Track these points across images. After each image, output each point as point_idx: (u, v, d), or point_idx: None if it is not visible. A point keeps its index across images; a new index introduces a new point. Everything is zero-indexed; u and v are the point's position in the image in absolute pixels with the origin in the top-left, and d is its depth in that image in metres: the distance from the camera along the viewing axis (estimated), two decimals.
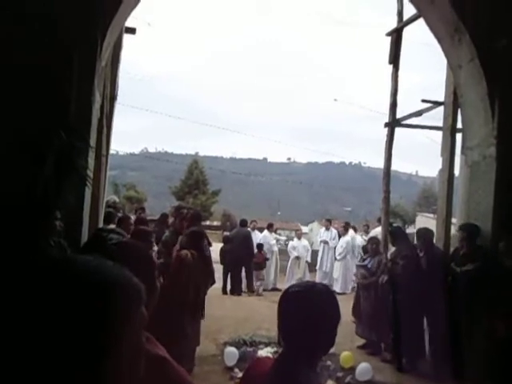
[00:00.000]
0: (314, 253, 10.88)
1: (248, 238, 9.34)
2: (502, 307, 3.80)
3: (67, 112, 3.75)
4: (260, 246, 9.66)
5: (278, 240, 12.12)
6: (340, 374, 4.46)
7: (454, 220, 5.68)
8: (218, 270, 8.34)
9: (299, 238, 10.80)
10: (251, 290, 9.15)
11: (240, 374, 3.79)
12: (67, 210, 3.41)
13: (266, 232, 10.38)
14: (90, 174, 4.07)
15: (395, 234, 5.51)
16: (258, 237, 10.06)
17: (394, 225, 9.49)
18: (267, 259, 9.62)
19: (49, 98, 3.67)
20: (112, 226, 4.79)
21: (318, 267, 10.39)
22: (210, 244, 5.24)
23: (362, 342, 5.52)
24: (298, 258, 10.28)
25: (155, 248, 5.25)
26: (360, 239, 10.19)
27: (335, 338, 1.22)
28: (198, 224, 4.98)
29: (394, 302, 4.85)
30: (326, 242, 10.33)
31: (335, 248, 10.25)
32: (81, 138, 3.68)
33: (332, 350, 4.92)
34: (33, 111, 3.61)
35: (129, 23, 5.65)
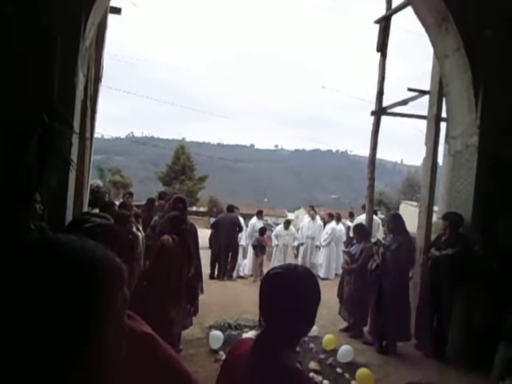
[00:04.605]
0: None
1: (236, 224, 9.31)
2: (478, 291, 3.94)
3: (50, 94, 3.65)
4: (263, 229, 9.75)
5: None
6: (322, 356, 4.58)
7: (436, 208, 5.79)
8: (207, 255, 8.37)
9: (286, 228, 10.64)
10: (229, 276, 9.14)
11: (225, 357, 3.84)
12: (50, 194, 3.36)
13: (254, 219, 10.35)
14: (74, 157, 4.01)
15: (394, 222, 5.25)
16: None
17: (383, 212, 9.68)
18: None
19: (31, 80, 3.57)
20: (96, 211, 4.75)
21: (300, 257, 10.42)
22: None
23: (345, 325, 5.66)
24: (283, 245, 10.32)
25: (140, 233, 5.23)
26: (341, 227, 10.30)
27: (315, 318, 1.25)
28: (182, 208, 4.91)
29: (382, 288, 4.95)
30: (312, 238, 10.33)
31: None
32: (64, 120, 3.61)
33: (315, 333, 5.10)
34: (14, 93, 3.51)
35: (114, 2, 5.51)
